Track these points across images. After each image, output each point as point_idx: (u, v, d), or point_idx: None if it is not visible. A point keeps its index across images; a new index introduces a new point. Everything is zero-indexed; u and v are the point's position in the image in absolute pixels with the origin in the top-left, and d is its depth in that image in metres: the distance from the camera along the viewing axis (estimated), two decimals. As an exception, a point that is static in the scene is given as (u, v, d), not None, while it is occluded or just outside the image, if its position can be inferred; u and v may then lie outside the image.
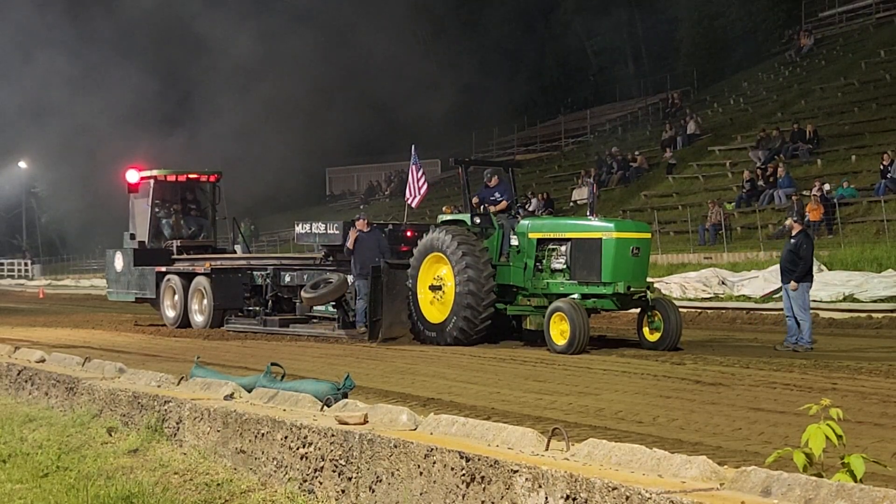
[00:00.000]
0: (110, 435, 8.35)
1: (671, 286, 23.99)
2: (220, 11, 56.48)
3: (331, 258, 19.09)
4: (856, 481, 4.30)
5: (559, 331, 14.24)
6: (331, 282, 18.26)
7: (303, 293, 18.74)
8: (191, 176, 23.80)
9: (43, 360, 11.45)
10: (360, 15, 60.92)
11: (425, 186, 19.84)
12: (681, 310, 15.66)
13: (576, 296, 14.71)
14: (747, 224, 29.53)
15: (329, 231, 18.92)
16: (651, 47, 58.19)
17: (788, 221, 15.79)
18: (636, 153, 41.09)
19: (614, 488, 4.39)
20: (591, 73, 62.26)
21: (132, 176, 23.15)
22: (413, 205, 20.13)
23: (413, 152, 19.75)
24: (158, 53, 58.26)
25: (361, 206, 53.50)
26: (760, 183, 30.65)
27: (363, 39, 60.13)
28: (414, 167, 19.69)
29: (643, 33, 59.50)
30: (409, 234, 18.50)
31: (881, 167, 27.34)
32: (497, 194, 16.61)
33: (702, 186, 34.92)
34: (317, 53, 56.46)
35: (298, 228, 19.78)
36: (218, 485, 6.66)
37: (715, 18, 53.89)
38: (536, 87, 64.04)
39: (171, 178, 23.46)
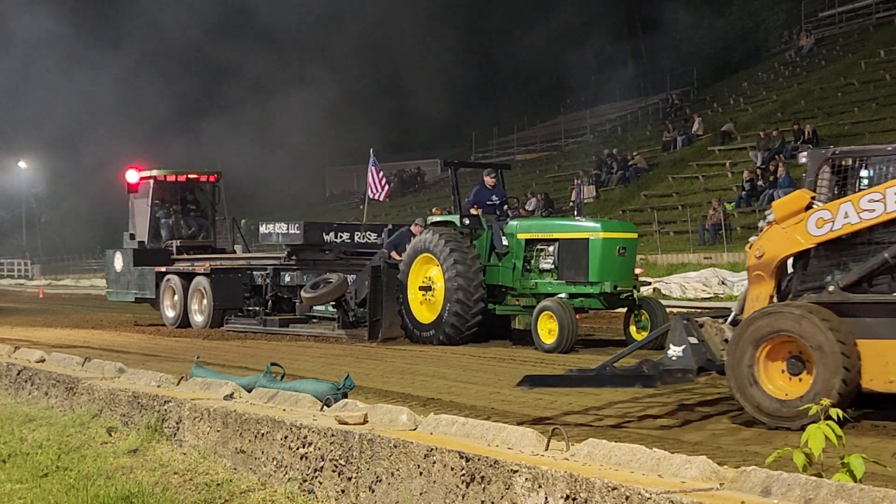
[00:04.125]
0: (110, 435, 8.36)
1: (671, 286, 24.00)
2: (221, 12, 56.49)
3: (294, 257, 19.88)
4: (856, 481, 4.30)
5: (547, 329, 14.36)
6: (331, 282, 18.29)
7: (303, 293, 18.76)
8: (190, 176, 23.78)
9: (43, 360, 11.45)
10: (359, 17, 60.94)
11: (385, 182, 22.00)
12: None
13: (563, 295, 14.81)
14: (747, 224, 29.54)
15: (290, 231, 19.80)
16: (651, 47, 58.18)
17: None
18: (635, 153, 41.09)
19: (614, 488, 4.39)
20: (592, 73, 62.28)
21: (132, 176, 23.14)
22: (381, 198, 22.25)
23: (371, 155, 21.91)
24: (159, 53, 58.26)
25: (361, 206, 53.40)
26: (760, 183, 30.66)
27: (362, 40, 60.12)
28: (374, 168, 21.69)
29: (643, 33, 59.53)
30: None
31: (881, 167, 27.32)
32: (494, 197, 16.75)
33: (702, 186, 34.93)
34: (317, 55, 56.46)
35: (263, 229, 20.68)
36: (218, 485, 6.66)
37: (715, 18, 53.89)
38: (536, 87, 64.04)
39: (171, 178, 23.44)
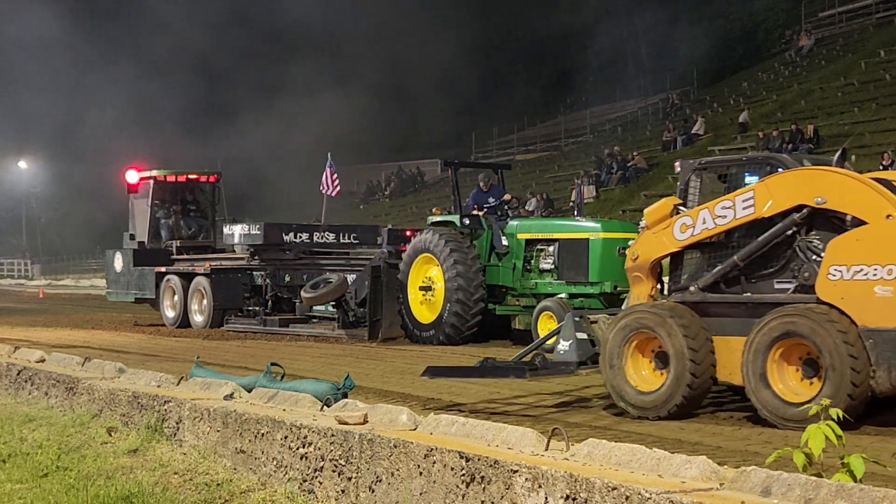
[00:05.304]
0: (110, 435, 8.35)
1: (671, 286, 23.95)
2: (222, 13, 56.50)
3: (256, 257, 20.46)
4: (856, 481, 4.30)
5: (547, 329, 14.34)
6: (331, 282, 18.29)
7: (303, 293, 18.78)
8: (190, 176, 23.77)
9: (43, 360, 11.44)
10: (361, 18, 60.96)
11: (338, 183, 24.76)
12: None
13: (563, 295, 14.81)
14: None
15: (251, 231, 20.54)
16: (651, 47, 58.18)
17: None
18: (635, 153, 41.07)
19: (614, 488, 4.39)
20: (591, 74, 62.29)
21: (132, 176, 23.14)
22: (333, 195, 24.30)
23: (328, 157, 24.35)
24: (160, 53, 58.25)
25: (361, 206, 53.47)
26: (760, 183, 30.62)
27: (364, 42, 60.14)
28: (329, 169, 24.11)
29: (643, 33, 59.52)
30: (408, 233, 18.58)
31: (881, 167, 27.33)
32: (491, 199, 16.80)
33: (702, 186, 34.88)
34: (318, 56, 56.44)
35: (226, 230, 21.50)
36: (218, 485, 6.66)
37: (715, 18, 53.87)
38: (536, 87, 64.02)
39: (171, 178, 23.43)
